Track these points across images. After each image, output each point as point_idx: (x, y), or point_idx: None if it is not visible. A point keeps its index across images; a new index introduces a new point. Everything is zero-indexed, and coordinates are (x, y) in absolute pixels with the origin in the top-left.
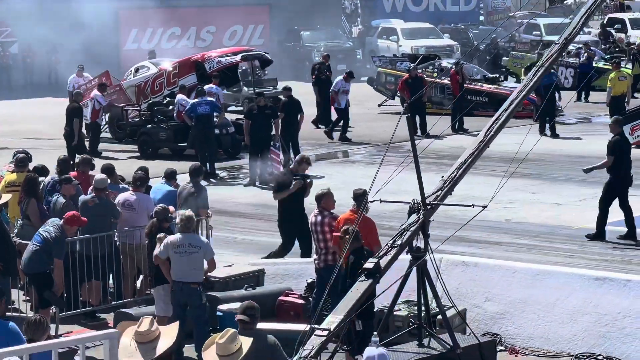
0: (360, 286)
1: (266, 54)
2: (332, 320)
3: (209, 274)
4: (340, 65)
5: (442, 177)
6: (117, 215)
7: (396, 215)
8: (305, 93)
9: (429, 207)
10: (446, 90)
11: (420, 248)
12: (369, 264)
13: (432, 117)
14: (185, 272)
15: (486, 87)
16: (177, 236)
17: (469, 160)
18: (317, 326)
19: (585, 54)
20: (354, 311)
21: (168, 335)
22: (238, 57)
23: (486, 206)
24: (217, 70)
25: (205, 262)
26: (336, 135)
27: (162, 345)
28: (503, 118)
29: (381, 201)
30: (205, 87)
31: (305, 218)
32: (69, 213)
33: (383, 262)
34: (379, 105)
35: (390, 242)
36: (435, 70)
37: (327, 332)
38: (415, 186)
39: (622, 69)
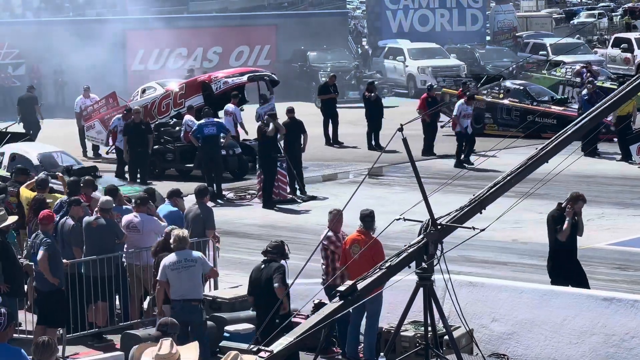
0: (330, 307)
1: (273, 75)
2: (281, 342)
3: (215, 293)
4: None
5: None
6: (120, 236)
7: (402, 236)
8: (310, 114)
9: (438, 227)
10: (513, 112)
11: (427, 269)
12: (344, 285)
13: (495, 139)
14: (185, 289)
15: (555, 109)
16: (172, 255)
17: (502, 182)
18: (262, 347)
19: (588, 79)
20: (310, 331)
21: (188, 354)
22: (245, 78)
23: (484, 229)
24: (224, 91)
25: (206, 275)
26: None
27: None
28: (553, 144)
29: (405, 219)
30: (225, 107)
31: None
32: (42, 212)
33: (363, 284)
34: (442, 127)
35: (381, 264)
36: (502, 91)
37: (269, 353)
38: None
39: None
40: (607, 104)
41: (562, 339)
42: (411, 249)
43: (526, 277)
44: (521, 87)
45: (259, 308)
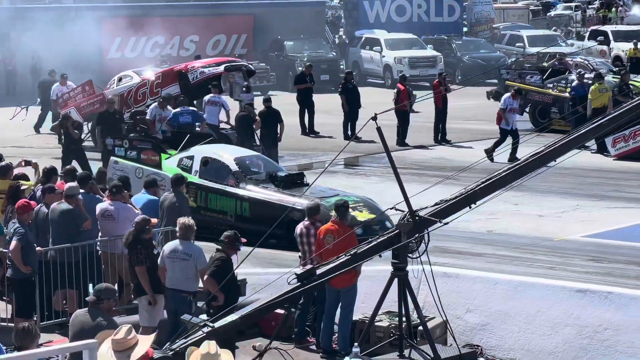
0: (284, 289)
1: (250, 65)
2: (226, 319)
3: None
4: (323, 76)
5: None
6: (80, 223)
7: None
8: (288, 103)
9: (417, 219)
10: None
11: (402, 259)
12: (303, 269)
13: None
14: (176, 280)
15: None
16: (174, 242)
17: (495, 178)
18: (208, 323)
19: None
20: (258, 312)
21: (144, 343)
22: (221, 68)
23: (447, 223)
24: (201, 81)
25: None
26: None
27: (137, 352)
28: (561, 143)
29: (396, 209)
30: (208, 97)
31: None
32: (19, 202)
33: (322, 269)
34: None
35: (347, 251)
36: (569, 85)
37: (211, 328)
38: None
39: (603, 82)
40: (630, 106)
41: (536, 330)
42: (381, 239)
43: (501, 269)
44: None
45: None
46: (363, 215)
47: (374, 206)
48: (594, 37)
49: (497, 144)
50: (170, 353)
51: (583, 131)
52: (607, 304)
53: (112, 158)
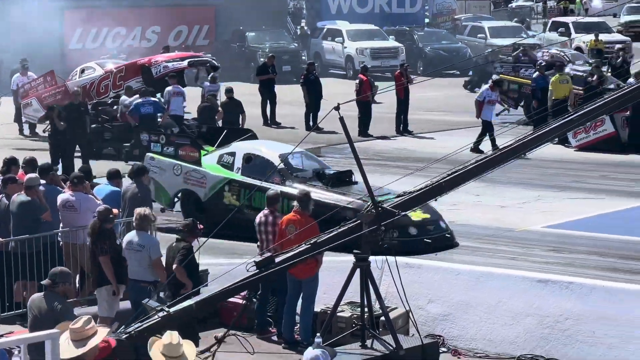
0: (242, 276)
1: (213, 60)
2: (181, 305)
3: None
4: (285, 67)
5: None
6: (39, 213)
7: None
8: (249, 94)
9: (380, 210)
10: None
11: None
12: (261, 257)
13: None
14: (134, 270)
15: None
16: (132, 233)
17: (461, 171)
18: (165, 308)
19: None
20: (214, 298)
21: (102, 333)
22: (185, 63)
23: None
24: (164, 75)
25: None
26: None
27: (92, 342)
28: (533, 136)
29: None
30: (171, 88)
31: None
32: None
33: (281, 257)
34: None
35: (307, 240)
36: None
37: (166, 313)
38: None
39: (564, 73)
40: (607, 101)
41: (497, 320)
42: (342, 229)
43: (462, 259)
44: None
45: (171, 285)
46: (417, 215)
47: (428, 206)
48: (555, 29)
49: (480, 137)
50: (124, 337)
51: (555, 125)
52: (568, 294)
53: (148, 154)
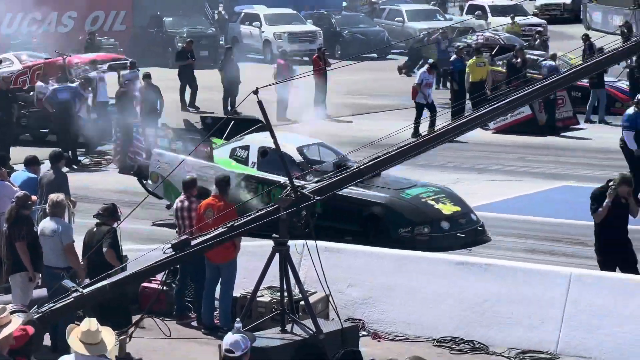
0: (158, 259)
1: (134, 61)
2: (95, 285)
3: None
4: (202, 52)
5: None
6: None
7: None
8: (167, 79)
9: (298, 194)
10: None
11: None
12: (178, 239)
13: None
14: (47, 257)
15: None
16: (45, 220)
17: (381, 157)
18: (79, 288)
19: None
20: (128, 280)
21: (15, 322)
22: (105, 67)
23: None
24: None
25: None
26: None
27: (5, 331)
28: (457, 123)
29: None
30: (95, 73)
31: None
32: None
33: (198, 240)
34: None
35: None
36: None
37: (79, 293)
38: None
39: (481, 56)
40: (545, 86)
41: (418, 303)
42: (259, 212)
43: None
44: None
45: (92, 270)
46: (448, 208)
47: (456, 197)
48: (472, 12)
49: (416, 119)
50: (35, 317)
51: (480, 112)
52: (487, 276)
53: (156, 150)
